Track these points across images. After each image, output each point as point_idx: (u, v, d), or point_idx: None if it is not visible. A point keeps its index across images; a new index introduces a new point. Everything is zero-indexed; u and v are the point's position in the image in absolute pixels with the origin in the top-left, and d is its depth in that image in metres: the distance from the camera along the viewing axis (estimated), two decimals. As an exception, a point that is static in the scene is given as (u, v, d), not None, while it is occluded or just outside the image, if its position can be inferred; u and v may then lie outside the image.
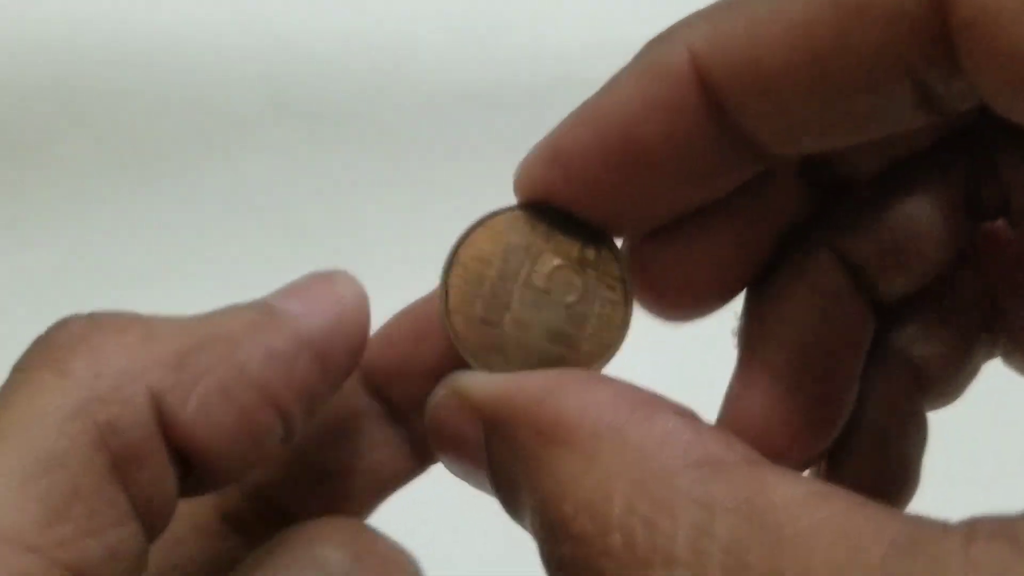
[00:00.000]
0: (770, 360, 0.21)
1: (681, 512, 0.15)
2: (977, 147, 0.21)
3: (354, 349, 0.20)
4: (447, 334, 0.20)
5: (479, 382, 0.19)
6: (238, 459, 0.19)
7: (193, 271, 0.54)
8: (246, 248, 0.56)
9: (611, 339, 0.21)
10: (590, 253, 0.21)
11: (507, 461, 0.18)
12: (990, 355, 0.23)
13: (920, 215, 0.21)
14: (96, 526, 0.17)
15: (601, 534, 0.15)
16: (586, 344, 0.20)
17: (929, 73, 0.17)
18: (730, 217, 0.21)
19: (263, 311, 0.19)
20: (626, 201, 0.20)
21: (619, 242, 0.21)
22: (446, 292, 0.20)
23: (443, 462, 0.21)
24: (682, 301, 0.22)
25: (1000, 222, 0.22)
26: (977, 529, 0.13)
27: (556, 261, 0.21)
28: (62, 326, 0.18)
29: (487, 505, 0.20)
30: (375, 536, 0.21)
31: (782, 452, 0.21)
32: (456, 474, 0.20)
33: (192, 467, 0.19)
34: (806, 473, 0.22)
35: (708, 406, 0.20)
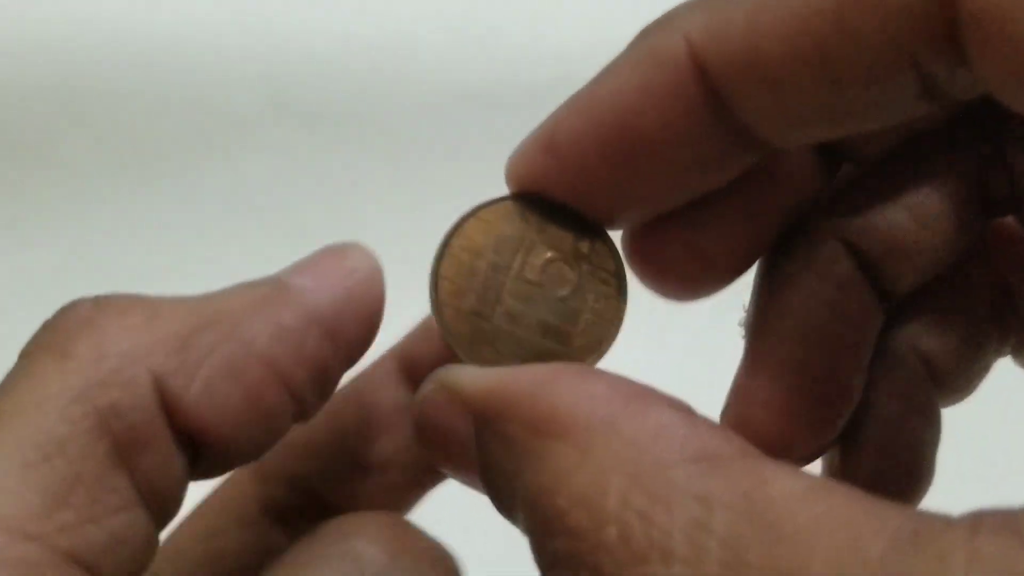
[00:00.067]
0: (776, 351, 0.21)
1: (678, 506, 0.14)
2: (986, 140, 0.21)
3: (367, 323, 0.20)
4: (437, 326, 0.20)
5: (469, 376, 0.18)
6: (248, 439, 0.18)
7: (193, 271, 0.54)
8: (246, 248, 0.56)
9: (604, 334, 0.20)
10: (584, 246, 0.20)
11: (499, 456, 0.17)
12: (1000, 352, 0.23)
13: (929, 208, 0.21)
14: (98, 513, 0.16)
15: (596, 528, 0.15)
16: (579, 339, 0.20)
17: (934, 64, 0.17)
18: (735, 192, 0.21)
19: (272, 286, 0.19)
20: (621, 192, 0.20)
21: (613, 236, 0.21)
22: (436, 283, 0.20)
23: (432, 459, 0.20)
24: (685, 281, 0.21)
25: (1010, 219, 0.22)
26: (981, 522, 0.13)
27: (549, 254, 0.20)
28: (67, 310, 0.18)
29: (483, 504, 0.19)
30: (414, 531, 0.20)
31: (788, 443, 0.21)
32: (445, 471, 0.20)
33: (201, 450, 0.18)
34: (816, 464, 0.22)
35: (706, 404, 0.19)
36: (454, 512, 0.18)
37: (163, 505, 0.18)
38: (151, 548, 0.18)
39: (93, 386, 0.17)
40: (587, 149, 0.19)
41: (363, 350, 0.20)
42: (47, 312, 0.19)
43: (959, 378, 0.23)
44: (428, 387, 0.19)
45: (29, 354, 0.18)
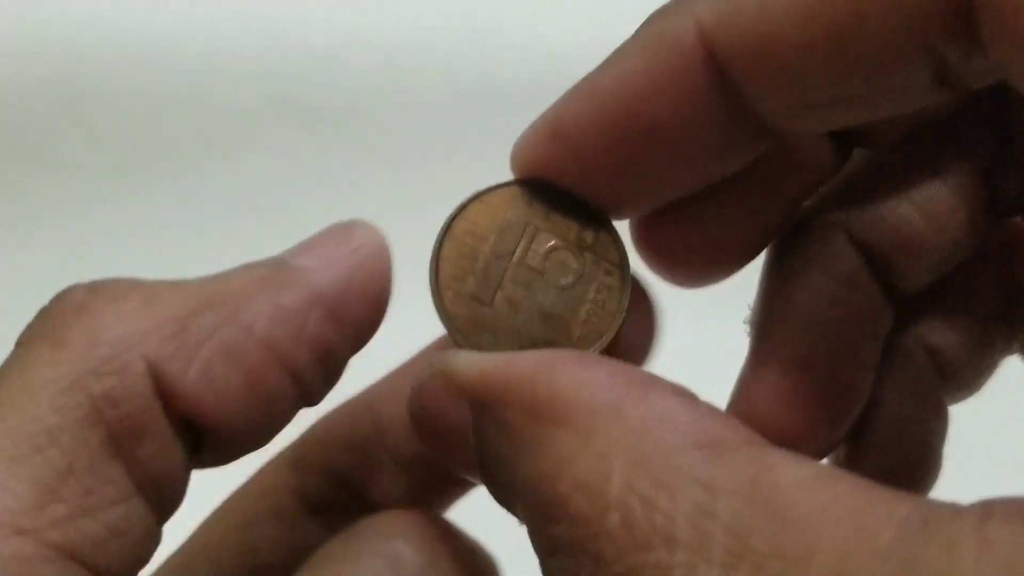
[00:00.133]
0: (782, 348, 0.21)
1: (682, 492, 0.14)
2: (998, 138, 0.21)
3: (374, 303, 0.19)
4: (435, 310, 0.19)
5: (466, 361, 0.18)
6: (251, 425, 0.18)
7: (193, 271, 0.54)
8: (246, 248, 0.56)
9: (605, 326, 0.20)
10: (588, 236, 0.20)
11: (497, 443, 0.17)
12: (1008, 350, 0.23)
13: (938, 204, 0.20)
14: (93, 505, 0.16)
15: (598, 514, 0.14)
16: (579, 329, 0.20)
17: (949, 49, 0.16)
18: (745, 179, 0.20)
19: (273, 267, 0.19)
20: (628, 180, 0.19)
21: (619, 226, 0.21)
22: (437, 266, 0.19)
23: (428, 448, 0.20)
24: (693, 268, 0.21)
25: (1019, 218, 0.22)
26: (992, 510, 0.12)
27: (553, 241, 0.20)
28: (62, 296, 0.18)
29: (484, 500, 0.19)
30: (452, 532, 0.20)
31: (795, 440, 0.20)
32: (440, 460, 0.20)
33: (202, 437, 0.18)
34: (823, 461, 0.22)
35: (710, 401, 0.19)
36: (492, 511, 0.18)
37: (163, 495, 0.17)
38: (152, 540, 0.17)
39: (86, 374, 0.16)
40: (594, 135, 0.19)
41: (371, 331, 0.20)
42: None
43: (967, 375, 0.22)
44: (423, 374, 0.19)
45: (24, 342, 0.17)
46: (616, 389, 0.16)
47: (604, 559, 0.14)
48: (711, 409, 0.16)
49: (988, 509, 0.13)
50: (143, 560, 0.17)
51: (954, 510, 0.13)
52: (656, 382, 0.16)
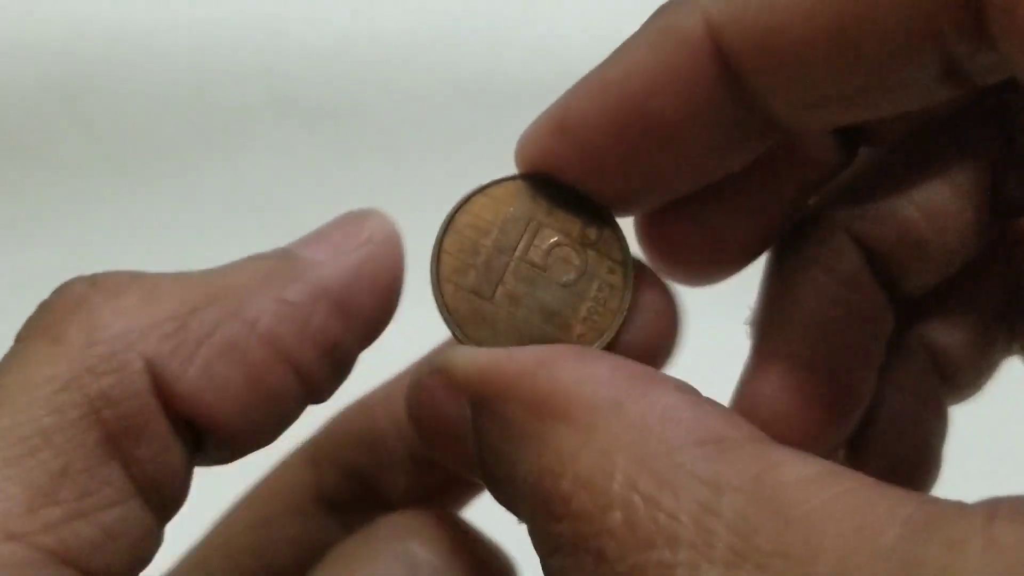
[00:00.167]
0: (784, 347, 0.20)
1: (685, 490, 0.14)
2: (1002, 138, 0.21)
3: (383, 296, 0.19)
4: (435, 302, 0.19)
5: (465, 357, 0.17)
6: (254, 424, 0.17)
7: (193, 267, 0.54)
8: (246, 247, 0.56)
9: (606, 324, 0.19)
10: (592, 233, 0.20)
11: (496, 439, 0.17)
12: (1009, 351, 0.23)
13: (941, 204, 0.20)
14: (88, 507, 0.16)
15: (601, 512, 0.14)
16: (579, 327, 0.19)
17: (957, 44, 0.16)
18: (751, 176, 0.20)
19: (279, 259, 0.18)
20: (633, 175, 0.19)
21: (623, 225, 0.21)
22: (438, 258, 0.19)
23: (426, 446, 0.19)
24: (698, 266, 0.21)
25: (1022, 219, 0.22)
26: (998, 509, 0.12)
27: (556, 237, 0.20)
28: (62, 290, 0.17)
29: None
30: (469, 532, 0.20)
31: (797, 443, 0.19)
32: (439, 458, 0.19)
33: (204, 436, 0.17)
34: None
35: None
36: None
37: (163, 496, 0.17)
38: (152, 541, 0.17)
39: (83, 373, 0.16)
40: (599, 130, 0.18)
41: (381, 326, 0.19)
42: None
43: (968, 375, 0.22)
44: (421, 372, 0.19)
45: (23, 338, 0.17)
46: (618, 385, 0.16)
47: (606, 557, 0.14)
48: (713, 405, 0.16)
49: (993, 508, 0.12)
50: (143, 562, 0.17)
51: (959, 509, 0.13)
52: (658, 378, 0.16)
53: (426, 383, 0.18)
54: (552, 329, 0.19)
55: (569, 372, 0.16)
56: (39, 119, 0.62)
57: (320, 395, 0.19)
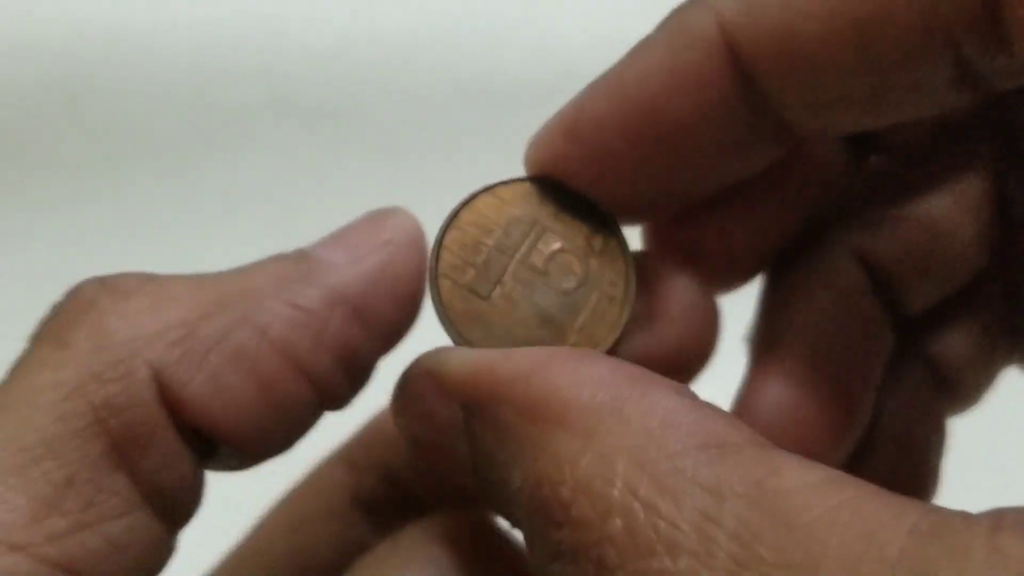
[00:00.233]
0: (782, 363, 0.20)
1: (686, 497, 0.14)
2: (1007, 151, 0.20)
3: (403, 301, 0.18)
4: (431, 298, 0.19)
5: (457, 359, 0.17)
6: (267, 432, 0.17)
7: (193, 270, 0.54)
8: (246, 248, 0.56)
9: (601, 336, 0.19)
10: (597, 242, 0.19)
11: (490, 445, 0.16)
12: (1008, 361, 0.22)
13: (946, 222, 0.20)
14: (93, 518, 0.15)
15: (601, 519, 0.14)
16: (574, 336, 0.19)
17: (972, 45, 0.16)
18: (762, 185, 0.20)
19: (296, 262, 0.17)
20: (644, 180, 0.19)
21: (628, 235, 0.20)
22: (438, 253, 0.19)
23: (412, 451, 0.19)
24: (707, 277, 0.21)
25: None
26: (1003, 519, 0.12)
27: (559, 243, 0.19)
28: (73, 292, 0.17)
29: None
30: (499, 537, 0.19)
31: None
32: (427, 463, 0.19)
33: (217, 444, 0.17)
34: None
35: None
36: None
37: (172, 505, 0.17)
38: (162, 550, 0.17)
39: (88, 380, 0.16)
40: (610, 132, 0.18)
41: (401, 331, 0.18)
42: (44, 312, 0.18)
43: (967, 388, 0.22)
44: (409, 374, 0.18)
45: (33, 341, 0.16)
46: (617, 388, 0.15)
47: (607, 565, 0.14)
48: (713, 408, 0.15)
49: (999, 519, 0.12)
50: (153, 571, 0.17)
51: (964, 519, 0.12)
52: (656, 380, 0.16)
53: (414, 385, 0.18)
54: (546, 335, 0.19)
55: (565, 375, 0.16)
56: (39, 119, 0.62)
57: (337, 403, 0.18)
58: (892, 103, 0.17)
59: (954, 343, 0.22)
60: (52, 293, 0.18)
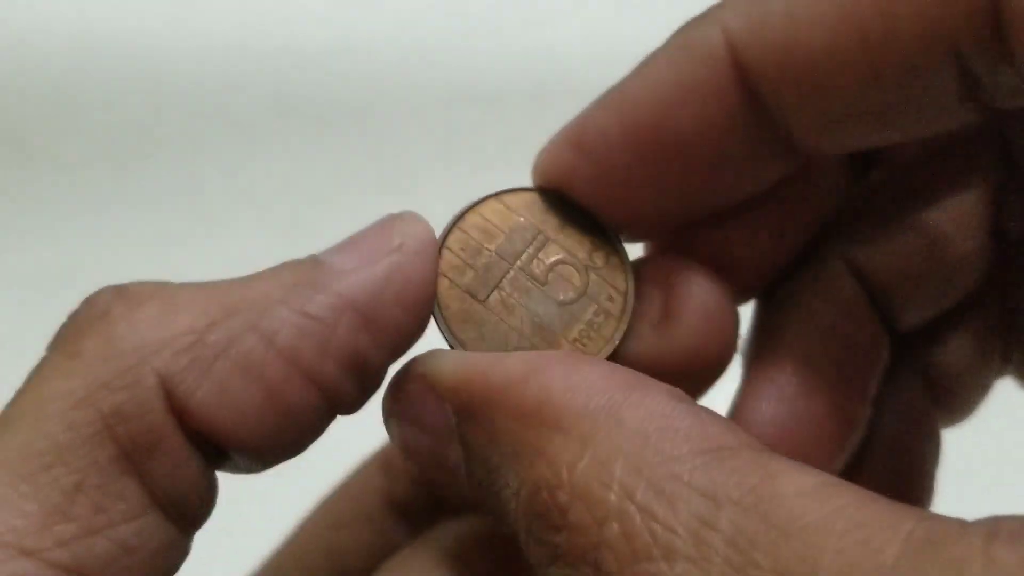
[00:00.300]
0: (776, 377, 0.20)
1: (682, 502, 0.14)
2: (1005, 168, 0.20)
3: (412, 307, 0.18)
4: None
5: (450, 362, 0.17)
6: (273, 440, 0.17)
7: (192, 271, 0.54)
8: (246, 249, 0.56)
9: (594, 350, 0.19)
10: (598, 258, 0.20)
11: (485, 449, 0.16)
12: (1002, 372, 0.22)
13: (943, 238, 0.20)
14: (103, 523, 0.16)
15: (598, 524, 0.14)
16: (567, 347, 0.19)
17: (977, 60, 0.16)
18: (765, 204, 0.20)
19: (306, 268, 0.17)
20: (648, 194, 0.19)
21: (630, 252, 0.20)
22: (439, 253, 0.19)
23: (404, 455, 0.19)
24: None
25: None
26: (998, 529, 0.12)
27: (561, 255, 0.20)
28: (89, 300, 0.17)
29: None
30: (509, 547, 0.19)
31: None
32: (418, 467, 0.19)
33: (226, 450, 0.17)
34: None
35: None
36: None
37: (183, 508, 0.17)
38: (175, 551, 0.17)
39: (98, 388, 0.16)
40: (616, 145, 0.18)
41: (411, 338, 0.18)
42: (47, 312, 0.18)
43: (962, 399, 0.22)
44: (402, 375, 0.18)
45: (49, 348, 0.17)
46: (612, 392, 0.15)
47: (604, 569, 0.14)
48: (709, 413, 0.16)
49: (994, 527, 0.12)
50: (165, 573, 0.17)
51: (960, 527, 0.12)
52: (652, 385, 0.16)
53: (406, 388, 0.18)
54: (539, 342, 0.19)
55: (560, 380, 0.16)
56: (39, 119, 0.62)
57: (348, 408, 0.18)
58: (899, 118, 0.17)
59: (949, 355, 0.22)
60: (52, 294, 0.18)
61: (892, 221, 0.20)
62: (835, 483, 0.14)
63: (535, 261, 0.19)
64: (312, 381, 0.17)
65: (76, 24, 0.62)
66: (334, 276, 0.17)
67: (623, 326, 0.19)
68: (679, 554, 0.13)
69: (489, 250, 0.19)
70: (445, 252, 0.19)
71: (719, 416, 0.16)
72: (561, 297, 0.19)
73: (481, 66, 0.62)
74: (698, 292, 0.20)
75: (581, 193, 0.19)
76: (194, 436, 0.17)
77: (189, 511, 0.17)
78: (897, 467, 0.22)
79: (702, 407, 0.16)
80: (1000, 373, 0.23)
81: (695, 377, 0.20)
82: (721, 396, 0.21)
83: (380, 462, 0.24)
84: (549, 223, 0.20)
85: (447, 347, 0.19)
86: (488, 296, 0.19)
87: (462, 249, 0.19)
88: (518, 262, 0.19)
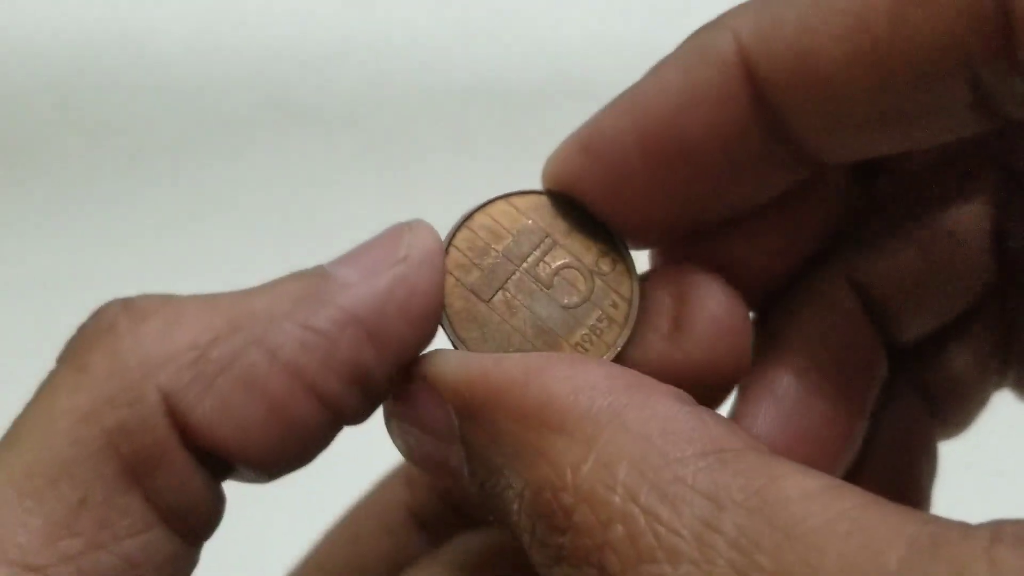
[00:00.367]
0: (774, 389, 0.20)
1: (686, 504, 0.14)
2: (1006, 182, 0.20)
3: (417, 319, 0.18)
4: None
5: (452, 363, 0.17)
6: (277, 453, 0.17)
7: (193, 271, 0.54)
8: (246, 250, 0.56)
9: (596, 355, 0.19)
10: (605, 264, 0.20)
11: (487, 450, 0.16)
12: (999, 385, 0.22)
13: (944, 253, 0.20)
14: (107, 538, 0.16)
15: (603, 525, 0.14)
16: (568, 350, 0.19)
17: (988, 68, 0.16)
18: (773, 212, 0.20)
19: (311, 281, 0.17)
20: (657, 200, 0.19)
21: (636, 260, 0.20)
22: (446, 251, 0.19)
23: (407, 458, 0.19)
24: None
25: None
26: (1002, 532, 0.12)
27: (567, 259, 0.20)
28: (97, 313, 0.17)
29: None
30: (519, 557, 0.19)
31: None
32: (419, 467, 0.19)
33: (231, 463, 0.17)
34: None
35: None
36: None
37: (189, 521, 0.17)
38: (182, 563, 0.17)
39: (102, 405, 0.16)
40: (626, 150, 0.18)
41: (416, 347, 0.18)
42: (47, 312, 0.18)
43: (959, 412, 0.22)
44: (404, 378, 0.18)
45: (57, 361, 0.17)
46: (616, 394, 0.15)
47: (608, 571, 0.14)
48: (712, 415, 0.16)
49: (997, 531, 0.12)
50: None
51: (963, 530, 0.13)
52: (655, 387, 0.16)
53: (408, 388, 0.18)
54: (541, 345, 0.19)
55: (562, 381, 0.16)
56: (39, 119, 0.62)
57: (353, 420, 0.18)
58: (909, 127, 0.17)
59: (948, 368, 0.22)
60: (52, 294, 0.18)
61: (893, 235, 0.20)
62: (838, 486, 0.14)
63: (541, 264, 0.20)
64: (316, 395, 0.17)
65: (77, 27, 0.62)
66: (338, 289, 0.17)
67: (626, 333, 0.19)
68: (683, 556, 0.13)
69: (496, 251, 0.19)
70: (452, 250, 0.19)
71: (722, 418, 0.16)
72: (565, 301, 0.19)
73: (484, 66, 0.62)
74: (712, 301, 0.19)
75: (590, 197, 0.19)
76: (198, 451, 0.17)
77: (195, 524, 0.17)
78: (893, 479, 0.22)
79: (706, 409, 0.16)
80: (998, 386, 0.23)
81: (708, 388, 0.19)
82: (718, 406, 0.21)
83: (401, 475, 0.24)
84: (557, 227, 0.20)
85: (450, 345, 0.19)
86: (492, 296, 0.19)
87: (469, 248, 0.19)
88: (524, 264, 0.19)
